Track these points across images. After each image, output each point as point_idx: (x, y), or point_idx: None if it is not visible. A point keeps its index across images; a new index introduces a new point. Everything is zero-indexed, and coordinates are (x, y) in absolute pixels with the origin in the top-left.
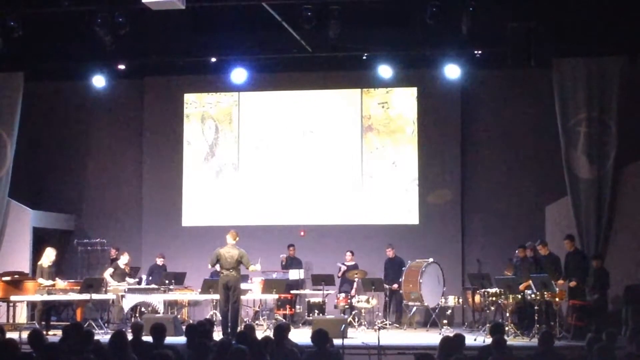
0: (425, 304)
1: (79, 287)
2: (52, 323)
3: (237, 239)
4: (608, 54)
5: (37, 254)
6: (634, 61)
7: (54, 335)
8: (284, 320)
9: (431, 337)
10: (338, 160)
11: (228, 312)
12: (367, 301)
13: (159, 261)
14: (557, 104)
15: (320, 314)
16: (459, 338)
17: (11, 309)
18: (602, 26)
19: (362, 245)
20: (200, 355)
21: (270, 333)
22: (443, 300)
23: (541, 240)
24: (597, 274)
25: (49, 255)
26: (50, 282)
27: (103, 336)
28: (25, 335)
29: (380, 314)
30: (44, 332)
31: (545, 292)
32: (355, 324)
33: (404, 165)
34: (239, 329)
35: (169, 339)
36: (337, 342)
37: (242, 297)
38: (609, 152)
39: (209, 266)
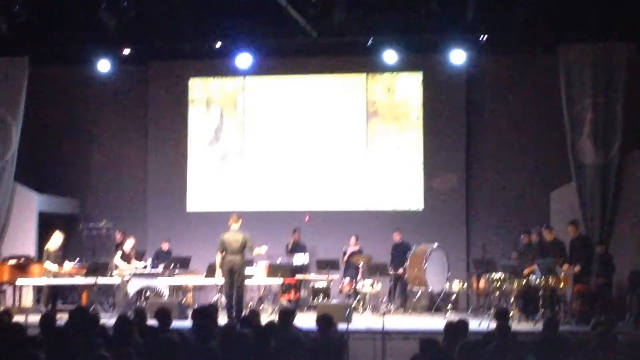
0: (430, 289)
1: (84, 271)
2: (58, 307)
3: (240, 222)
4: (614, 40)
5: (42, 238)
6: None
7: (60, 319)
8: (288, 305)
9: (436, 322)
10: (343, 145)
11: (233, 296)
12: (372, 286)
13: (165, 246)
14: (563, 89)
15: (325, 299)
16: (464, 323)
17: (17, 292)
18: (608, 12)
19: (367, 230)
20: (205, 340)
21: (274, 318)
22: (448, 285)
23: (547, 226)
24: (601, 260)
25: (56, 240)
26: (56, 267)
27: (108, 320)
28: (31, 318)
29: (385, 298)
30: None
31: (549, 278)
32: (360, 308)
33: (409, 150)
34: (243, 313)
35: (174, 323)
36: (341, 327)
37: (247, 282)
38: (614, 138)
39: (217, 254)
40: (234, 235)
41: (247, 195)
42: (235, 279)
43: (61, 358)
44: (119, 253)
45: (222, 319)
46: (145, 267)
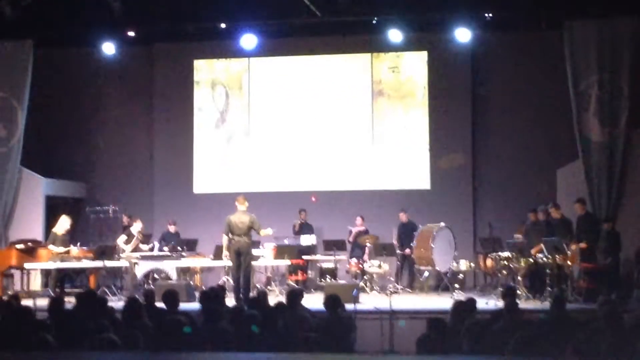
0: (437, 268)
1: (92, 255)
2: (66, 290)
3: (247, 204)
4: (620, 15)
5: (48, 222)
6: None
7: (68, 302)
8: (296, 286)
9: (443, 302)
10: (349, 125)
11: (240, 278)
12: (379, 266)
13: (171, 228)
14: (569, 66)
15: (332, 279)
16: (471, 302)
17: (25, 276)
18: None
19: (373, 210)
20: (213, 321)
21: (282, 299)
22: (455, 264)
23: (553, 203)
24: (608, 237)
25: (64, 224)
26: (62, 249)
27: (116, 303)
28: (39, 302)
29: (392, 278)
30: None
31: (557, 256)
32: (367, 288)
33: (414, 129)
34: (251, 294)
35: (182, 305)
36: (349, 307)
37: (254, 263)
38: (620, 115)
39: (224, 236)
40: (240, 216)
41: (253, 176)
42: (242, 260)
43: (70, 341)
44: (123, 236)
45: (230, 301)
46: (152, 249)
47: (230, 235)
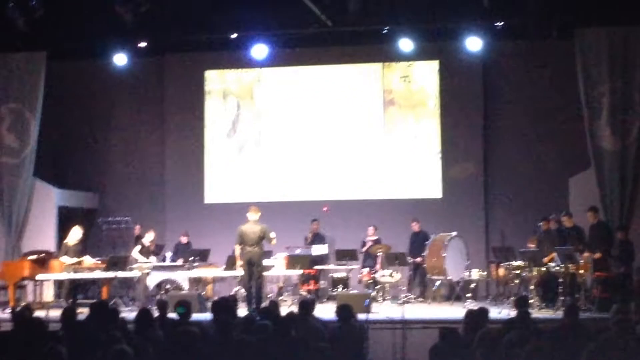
0: (449, 277)
1: (104, 265)
2: (78, 301)
3: (259, 214)
4: (632, 24)
5: (61, 232)
6: None
7: (81, 313)
8: (308, 296)
9: (455, 311)
10: (360, 135)
11: (252, 288)
12: (391, 275)
13: (184, 239)
14: (580, 74)
15: (344, 289)
16: (484, 311)
17: (38, 287)
18: None
19: (385, 219)
20: (225, 331)
21: (294, 309)
22: (467, 273)
23: (566, 212)
24: (621, 246)
25: (75, 234)
26: (74, 260)
27: (129, 313)
28: (52, 313)
29: (404, 288)
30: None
31: (569, 265)
32: (380, 298)
33: (426, 139)
34: (263, 304)
35: (194, 316)
36: (361, 316)
37: (266, 273)
38: (632, 123)
39: (236, 246)
40: (251, 226)
41: (265, 186)
42: (254, 270)
43: (82, 352)
44: (138, 247)
45: (242, 311)
46: (164, 260)
47: (242, 245)
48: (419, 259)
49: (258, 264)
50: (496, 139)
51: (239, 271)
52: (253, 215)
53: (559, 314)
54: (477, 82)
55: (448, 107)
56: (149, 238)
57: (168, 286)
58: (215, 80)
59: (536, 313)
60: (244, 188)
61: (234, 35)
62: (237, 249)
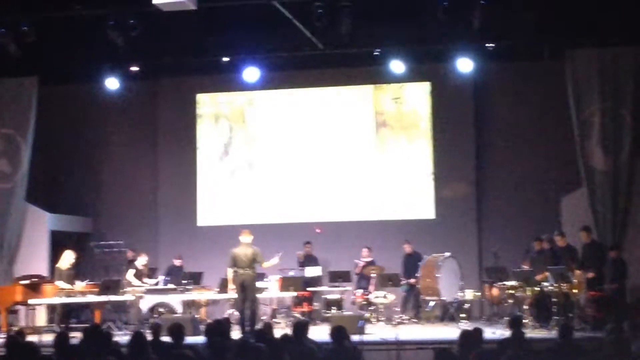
0: (443, 298)
1: (97, 289)
2: (71, 325)
3: (251, 237)
4: (622, 45)
5: (54, 257)
6: None
7: (74, 337)
8: (302, 318)
9: (449, 332)
10: (352, 156)
11: (245, 310)
12: (385, 297)
13: (177, 262)
14: (571, 95)
15: (338, 311)
16: (478, 332)
17: (30, 312)
18: (615, 16)
19: (378, 241)
20: (219, 355)
21: (288, 331)
22: (461, 294)
23: (559, 232)
24: (614, 265)
25: (67, 258)
26: (68, 286)
27: (122, 337)
28: (44, 338)
29: (397, 309)
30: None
31: (563, 284)
32: (373, 319)
33: (418, 160)
34: (257, 327)
35: (188, 339)
36: (355, 338)
37: (260, 295)
38: (624, 143)
39: (229, 270)
40: (244, 249)
41: (257, 208)
42: (247, 293)
43: None
44: (132, 270)
45: (236, 334)
46: (157, 283)
47: (234, 268)
48: (412, 280)
49: (251, 287)
50: (488, 160)
51: (232, 294)
52: (245, 238)
53: (553, 333)
54: (469, 103)
55: (440, 128)
56: (141, 261)
57: (161, 309)
58: (207, 103)
59: (530, 333)
60: (237, 211)
61: (226, 59)
62: (230, 272)
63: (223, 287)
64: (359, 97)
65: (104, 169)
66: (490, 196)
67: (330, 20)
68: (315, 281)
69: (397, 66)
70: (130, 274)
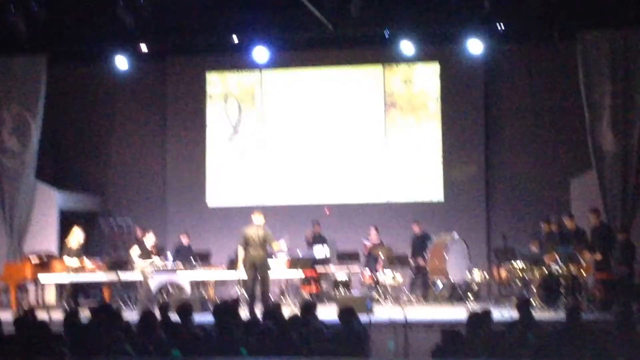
0: (451, 279)
1: (105, 268)
2: (80, 303)
3: (263, 218)
4: (633, 26)
5: (63, 234)
6: None
7: (83, 315)
8: (309, 298)
9: (457, 313)
10: (362, 137)
11: (254, 291)
12: (393, 277)
13: (184, 240)
14: (582, 77)
15: (346, 291)
16: (486, 313)
17: (39, 289)
18: None
19: (387, 222)
20: (228, 334)
21: (296, 311)
22: (468, 275)
23: (567, 214)
24: (623, 247)
25: (77, 236)
26: (77, 263)
27: (131, 315)
28: (54, 315)
29: (405, 289)
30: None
31: (571, 266)
32: (381, 300)
33: (427, 141)
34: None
35: (197, 318)
36: (363, 318)
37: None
38: (634, 125)
39: (240, 249)
40: (255, 230)
41: (266, 189)
42: (258, 273)
43: (85, 354)
44: (135, 248)
45: (244, 313)
46: (164, 263)
47: (245, 247)
48: (420, 261)
49: (262, 267)
50: (497, 141)
51: (241, 273)
52: (258, 219)
53: (561, 315)
54: (479, 84)
55: (449, 109)
56: (149, 240)
57: (170, 288)
58: (217, 83)
59: (538, 314)
60: (246, 191)
61: (235, 38)
62: (241, 251)
63: (231, 267)
64: (368, 77)
65: (113, 147)
66: (499, 178)
67: (340, 0)
68: (323, 261)
69: (406, 47)
70: (134, 251)
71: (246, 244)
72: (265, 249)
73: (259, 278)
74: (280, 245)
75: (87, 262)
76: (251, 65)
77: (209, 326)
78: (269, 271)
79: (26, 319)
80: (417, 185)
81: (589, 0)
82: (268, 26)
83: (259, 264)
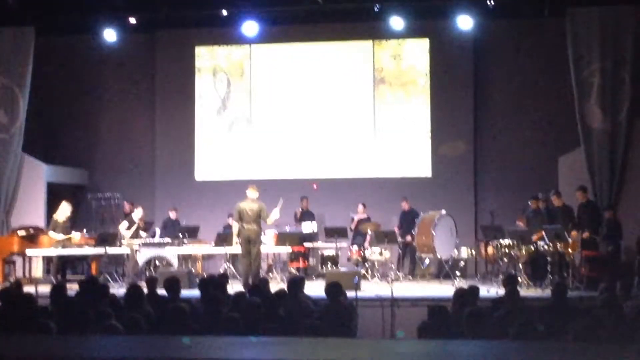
0: (439, 256)
1: (93, 242)
2: (67, 277)
3: (257, 192)
4: (623, 3)
5: (50, 208)
6: None
7: (70, 289)
8: (297, 273)
9: (444, 289)
10: (350, 112)
11: (250, 265)
12: (380, 254)
13: (172, 214)
14: (571, 54)
15: (334, 267)
16: (473, 289)
17: (27, 263)
18: None
19: (375, 198)
20: (215, 309)
21: (283, 286)
22: (456, 252)
23: (555, 191)
24: (609, 225)
25: (64, 210)
26: (63, 237)
27: (118, 290)
28: (41, 289)
29: (393, 266)
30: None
31: (558, 243)
32: (369, 276)
33: (416, 117)
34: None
35: (184, 292)
36: (350, 294)
37: None
38: (622, 103)
39: (234, 223)
40: (249, 204)
41: (254, 163)
42: (251, 247)
43: (72, 328)
44: (125, 223)
45: (232, 288)
46: (152, 236)
47: (240, 222)
48: (408, 237)
49: (256, 242)
50: (486, 118)
51: (230, 248)
52: (252, 193)
53: (547, 292)
54: (468, 60)
55: (438, 85)
56: (137, 214)
57: (157, 263)
58: (206, 57)
59: (525, 291)
60: (234, 165)
61: (225, 12)
62: (235, 226)
63: (219, 242)
64: (358, 52)
65: (101, 121)
66: (487, 155)
67: None
68: (311, 237)
69: (396, 22)
70: (122, 226)
71: (240, 218)
72: (259, 223)
73: (251, 253)
74: (273, 217)
75: (75, 235)
76: (240, 39)
77: (195, 300)
78: (260, 246)
79: (12, 292)
80: (406, 161)
81: None
82: (257, 0)
83: (252, 239)
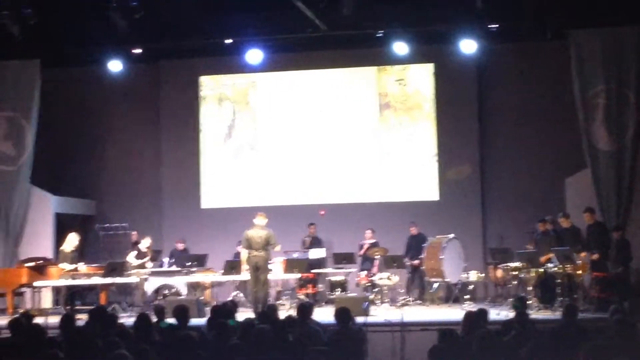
0: (447, 279)
1: (101, 272)
2: (76, 307)
3: (266, 220)
4: (626, 25)
5: (58, 239)
6: None
7: (79, 319)
8: (306, 300)
9: (454, 313)
10: (356, 138)
11: (258, 292)
12: (389, 278)
13: (180, 246)
14: (575, 76)
15: (342, 292)
16: (482, 313)
17: (36, 294)
18: None
19: (382, 222)
20: (224, 336)
21: (292, 312)
22: (465, 275)
23: (563, 213)
24: (618, 246)
25: (71, 241)
26: (72, 267)
27: (127, 319)
28: (51, 320)
29: (402, 290)
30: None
31: (567, 265)
32: (378, 301)
33: (422, 141)
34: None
35: (193, 321)
36: (359, 319)
37: None
38: (628, 123)
39: (243, 250)
40: (258, 231)
41: (261, 190)
42: (259, 275)
43: (81, 358)
44: (133, 253)
45: (242, 316)
46: (160, 265)
47: (249, 249)
48: (416, 262)
49: (263, 269)
50: (492, 141)
51: (238, 276)
52: (260, 220)
53: (558, 314)
54: (472, 84)
55: (443, 109)
56: (145, 244)
57: (166, 291)
58: (210, 85)
59: (535, 314)
60: (241, 193)
61: (229, 41)
62: (244, 253)
63: (227, 269)
64: (362, 78)
65: (107, 151)
66: (494, 177)
67: (333, 1)
68: (319, 263)
69: (400, 48)
70: (131, 256)
71: (249, 245)
72: (267, 250)
73: (259, 280)
74: (277, 248)
75: (81, 267)
76: (245, 68)
77: (204, 328)
78: (268, 273)
79: (21, 322)
80: (412, 185)
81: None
82: (261, 28)
83: (260, 265)
